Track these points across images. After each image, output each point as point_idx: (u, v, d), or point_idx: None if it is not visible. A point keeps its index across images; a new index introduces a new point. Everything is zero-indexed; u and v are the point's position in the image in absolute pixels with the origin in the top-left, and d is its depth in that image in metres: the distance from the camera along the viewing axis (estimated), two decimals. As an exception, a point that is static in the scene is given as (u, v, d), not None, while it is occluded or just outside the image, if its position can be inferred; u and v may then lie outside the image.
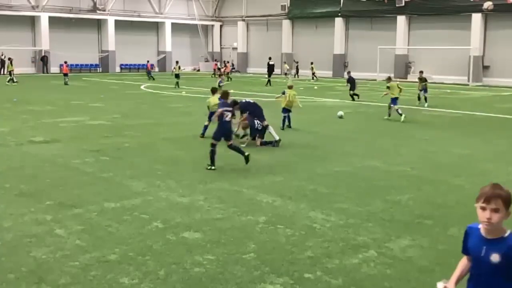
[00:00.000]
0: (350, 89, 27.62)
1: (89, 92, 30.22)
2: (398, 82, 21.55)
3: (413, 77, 44.77)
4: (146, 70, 45.01)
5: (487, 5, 39.36)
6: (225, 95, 11.47)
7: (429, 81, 42.59)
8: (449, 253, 6.52)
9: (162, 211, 8.01)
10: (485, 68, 41.65)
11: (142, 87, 34.97)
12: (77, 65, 53.11)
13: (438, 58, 43.77)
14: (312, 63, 46.85)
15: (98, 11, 52.75)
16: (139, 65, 56.51)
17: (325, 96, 29.15)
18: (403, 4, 44.53)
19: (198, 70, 59.63)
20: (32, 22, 50.43)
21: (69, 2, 50.98)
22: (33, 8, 49.45)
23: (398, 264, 6.15)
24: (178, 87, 33.79)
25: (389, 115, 19.40)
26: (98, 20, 53.86)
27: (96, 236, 6.89)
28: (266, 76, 41.36)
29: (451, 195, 9.18)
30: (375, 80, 44.35)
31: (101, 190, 9.15)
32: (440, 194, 9.26)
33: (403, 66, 46.04)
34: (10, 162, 11.48)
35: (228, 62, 50.96)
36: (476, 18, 41.09)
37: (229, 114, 11.02)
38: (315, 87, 36.05)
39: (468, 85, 39.96)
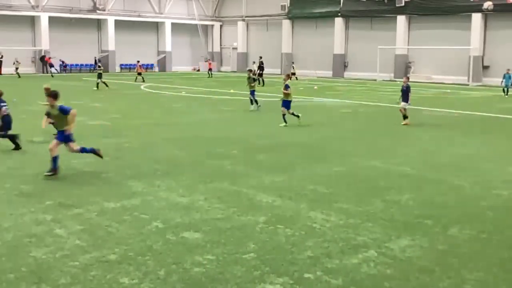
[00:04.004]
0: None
1: (89, 92, 30.21)
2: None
3: (413, 77, 44.87)
4: (136, 71, 41.43)
5: (487, 5, 39.35)
6: None
7: (428, 81, 42.89)
8: (449, 253, 6.52)
9: (162, 211, 8.02)
10: (485, 68, 41.66)
11: (142, 87, 34.96)
12: (76, 65, 53.17)
13: (438, 58, 43.77)
14: (293, 63, 47.04)
15: (98, 11, 52.75)
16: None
17: (325, 96, 29.14)
18: (403, 4, 44.53)
19: (198, 70, 59.62)
20: (32, 22, 50.43)
21: (69, 2, 50.98)
22: (33, 8, 49.45)
23: (398, 264, 6.15)
24: (97, 88, 31.73)
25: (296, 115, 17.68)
26: (98, 20, 53.86)
27: (96, 236, 6.89)
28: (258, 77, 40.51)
29: (451, 195, 9.18)
30: (375, 80, 44.36)
31: (101, 190, 9.15)
32: (440, 194, 9.26)
33: (403, 66, 46.05)
34: (10, 162, 11.48)
35: (139, 61, 43.53)
36: (476, 18, 41.10)
37: None
38: (315, 87, 36.04)
39: (468, 85, 39.97)
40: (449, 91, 34.82)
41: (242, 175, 10.48)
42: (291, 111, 17.51)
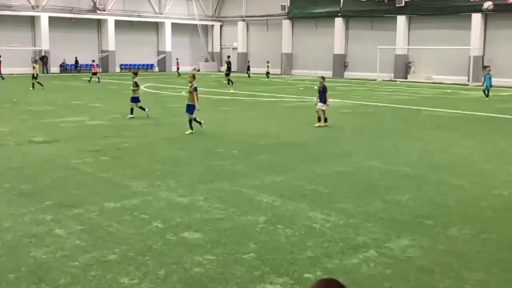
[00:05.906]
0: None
1: (89, 92, 30.20)
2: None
3: (413, 77, 44.85)
4: (91, 71, 40.56)
5: (487, 5, 39.34)
6: None
7: (428, 81, 42.89)
8: (449, 253, 6.52)
9: (162, 211, 8.01)
10: (485, 68, 41.62)
11: (142, 87, 34.95)
12: (76, 65, 53.14)
13: (438, 58, 43.73)
14: (268, 62, 47.14)
15: (98, 11, 52.73)
16: (139, 65, 56.55)
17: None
18: (403, 4, 44.50)
19: (198, 70, 59.63)
20: (32, 22, 50.41)
21: (69, 2, 50.96)
22: (33, 8, 49.42)
23: (398, 264, 6.15)
24: (33, 88, 31.15)
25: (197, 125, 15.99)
26: (98, 20, 53.84)
27: (96, 236, 6.89)
28: (226, 76, 38.42)
29: (450, 195, 9.18)
30: (375, 80, 44.35)
31: (101, 190, 9.15)
32: (440, 194, 9.26)
33: (403, 66, 46.04)
34: (10, 162, 11.48)
35: (94, 61, 43.49)
36: (476, 18, 41.07)
37: None
38: (315, 87, 36.01)
39: (468, 85, 39.95)
40: (449, 91, 34.81)
41: (242, 175, 10.48)
42: (193, 116, 15.67)
